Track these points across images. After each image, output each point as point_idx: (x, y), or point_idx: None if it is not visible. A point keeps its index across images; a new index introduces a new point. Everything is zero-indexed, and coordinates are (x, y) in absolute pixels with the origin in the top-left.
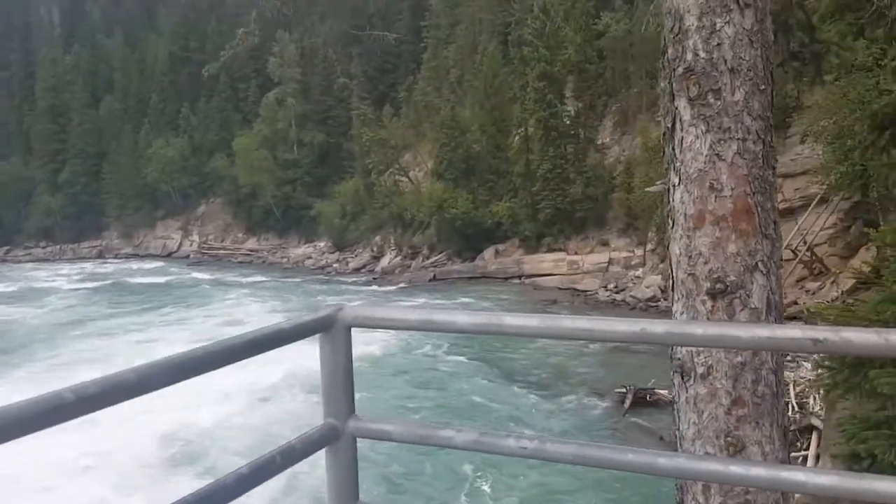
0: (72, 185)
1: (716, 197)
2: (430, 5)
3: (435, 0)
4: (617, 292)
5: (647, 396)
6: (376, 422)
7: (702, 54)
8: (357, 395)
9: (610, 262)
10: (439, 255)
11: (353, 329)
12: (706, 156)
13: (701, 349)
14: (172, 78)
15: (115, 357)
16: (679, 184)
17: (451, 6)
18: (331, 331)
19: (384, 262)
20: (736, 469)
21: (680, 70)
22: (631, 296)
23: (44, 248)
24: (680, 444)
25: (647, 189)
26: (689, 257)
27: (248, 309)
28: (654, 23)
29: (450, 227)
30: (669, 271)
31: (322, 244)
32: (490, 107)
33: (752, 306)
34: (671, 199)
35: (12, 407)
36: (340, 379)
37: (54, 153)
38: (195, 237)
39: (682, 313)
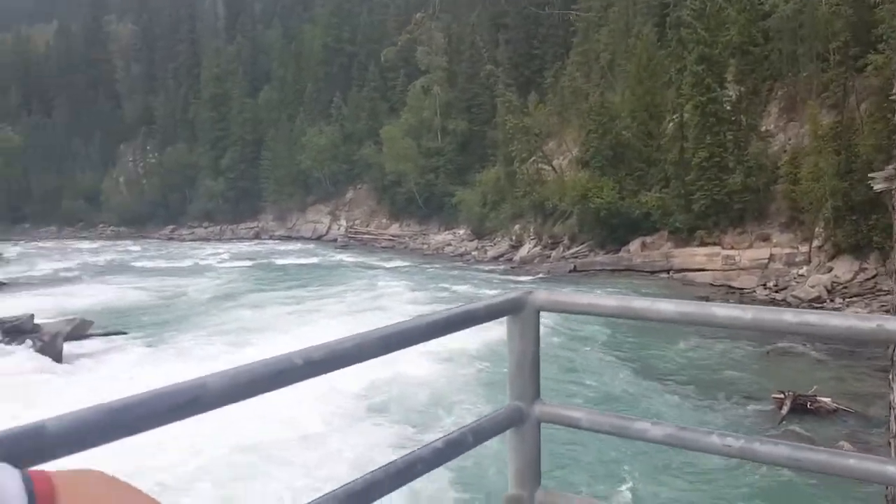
0: (232, 171)
1: None
2: None
3: None
4: (777, 291)
5: (808, 404)
6: (563, 408)
7: None
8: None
9: (770, 258)
10: (581, 246)
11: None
12: None
13: None
14: (326, 69)
15: (269, 328)
16: None
17: None
18: (520, 314)
19: (523, 251)
20: None
21: None
22: (793, 296)
23: (206, 228)
24: (894, 452)
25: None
26: None
27: (389, 291)
28: (827, 2)
29: (593, 217)
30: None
31: (462, 232)
32: (642, 92)
33: None
34: None
35: (248, 367)
36: (528, 362)
37: (216, 140)
38: (343, 222)
39: None
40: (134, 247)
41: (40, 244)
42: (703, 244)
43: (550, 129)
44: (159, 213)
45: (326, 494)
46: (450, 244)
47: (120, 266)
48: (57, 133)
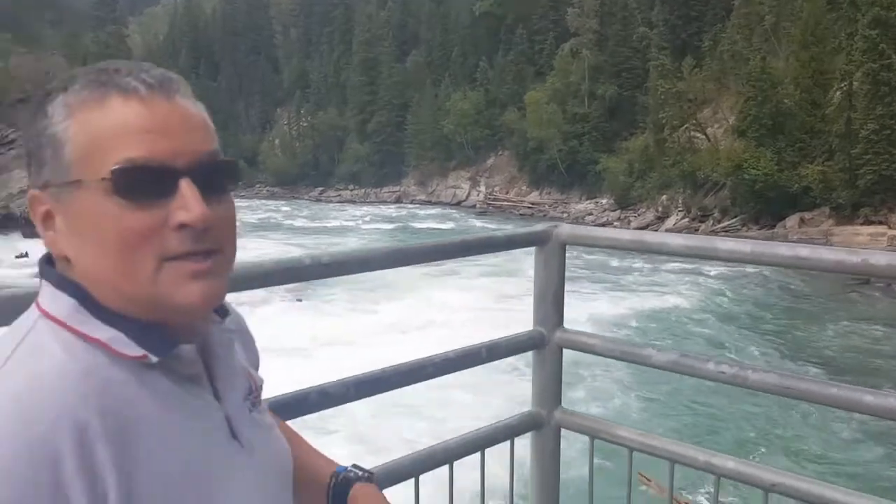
0: (378, 135)
1: None
2: None
3: None
4: None
5: None
6: (582, 335)
7: None
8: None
9: None
10: (732, 220)
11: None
12: None
13: None
14: (473, 32)
15: (401, 287)
16: None
17: None
18: (546, 245)
19: (669, 223)
20: None
21: None
22: None
23: (351, 190)
24: None
25: None
26: None
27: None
28: None
29: (748, 189)
30: None
31: (604, 201)
32: (808, 57)
33: None
34: None
35: (264, 262)
36: (552, 291)
37: (365, 104)
38: (482, 188)
39: None
40: (285, 207)
41: None
42: (867, 223)
43: (706, 96)
44: (310, 174)
45: (339, 380)
46: (591, 213)
47: (274, 224)
48: (221, 96)
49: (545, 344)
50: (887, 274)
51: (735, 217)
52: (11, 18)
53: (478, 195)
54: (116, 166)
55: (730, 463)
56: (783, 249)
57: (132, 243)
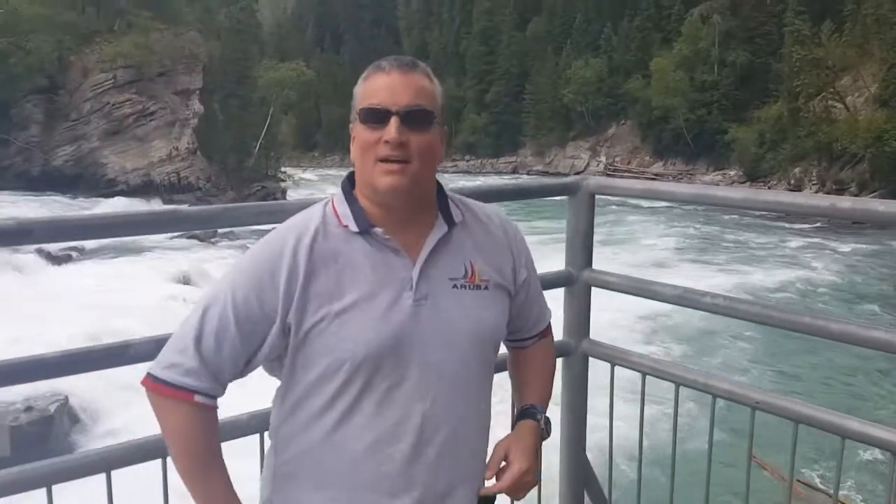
0: (496, 105)
1: None
2: None
3: None
4: None
5: None
6: (606, 274)
7: None
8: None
9: None
10: (872, 195)
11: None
12: None
13: None
14: None
15: None
16: None
17: None
18: (577, 195)
19: None
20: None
21: None
22: None
23: (467, 161)
24: None
25: None
26: None
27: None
28: None
29: (889, 162)
30: None
31: (732, 173)
32: None
33: None
34: None
35: (131, 213)
36: (581, 236)
37: (483, 74)
38: (602, 158)
39: None
40: None
41: (326, 171)
42: None
43: (846, 63)
44: None
45: None
46: (718, 185)
47: None
48: (344, 68)
49: (574, 282)
50: (850, 216)
51: (874, 191)
52: None
53: (597, 166)
54: (362, 107)
55: (723, 384)
56: (768, 196)
57: (365, 149)
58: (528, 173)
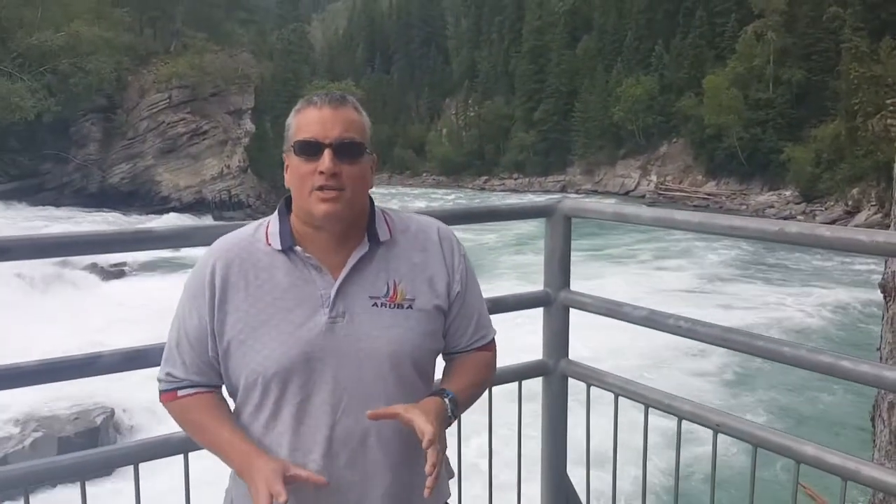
0: (544, 123)
1: None
2: None
3: None
4: None
5: None
6: (582, 296)
7: None
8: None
9: None
10: None
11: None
12: None
13: None
14: (650, 15)
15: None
16: None
17: None
18: (552, 217)
19: (859, 218)
20: (887, 374)
21: None
22: None
23: (515, 179)
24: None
25: None
26: None
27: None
28: None
29: None
30: None
31: (788, 193)
32: None
33: None
34: None
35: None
36: (557, 257)
37: (532, 92)
38: (653, 177)
39: None
40: (449, 195)
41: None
42: None
43: None
44: (474, 163)
45: None
46: (772, 206)
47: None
48: (393, 88)
49: (551, 302)
50: (798, 241)
51: None
52: (206, 19)
53: (648, 185)
54: (297, 139)
55: (686, 406)
56: (721, 220)
57: (302, 179)
58: (576, 192)
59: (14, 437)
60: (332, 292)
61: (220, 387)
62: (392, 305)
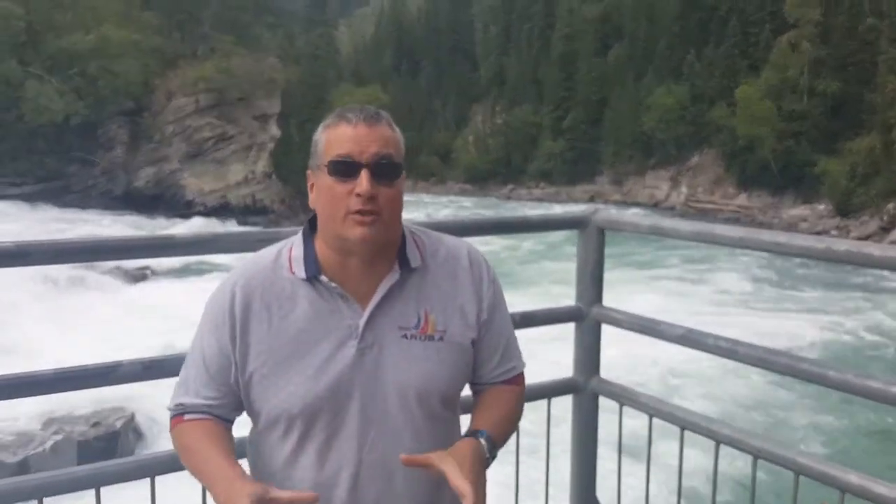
0: (573, 132)
1: None
2: None
3: None
4: None
5: None
6: (615, 311)
7: None
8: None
9: None
10: None
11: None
12: None
13: None
14: (682, 24)
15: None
16: None
17: None
18: (586, 229)
19: (895, 234)
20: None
21: None
22: None
23: (542, 188)
24: None
25: None
26: None
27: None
28: None
29: None
30: None
31: (821, 207)
32: None
33: None
34: None
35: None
36: (589, 271)
37: (561, 100)
38: (683, 189)
39: None
40: (473, 203)
41: None
42: None
43: None
44: (501, 171)
45: None
46: (805, 220)
47: None
48: (420, 94)
49: (583, 318)
50: (845, 259)
51: None
52: (234, 23)
53: (678, 196)
54: (331, 159)
55: (725, 430)
56: (765, 236)
57: (335, 201)
58: (604, 202)
59: (35, 440)
60: (361, 323)
61: (230, 422)
62: (422, 337)
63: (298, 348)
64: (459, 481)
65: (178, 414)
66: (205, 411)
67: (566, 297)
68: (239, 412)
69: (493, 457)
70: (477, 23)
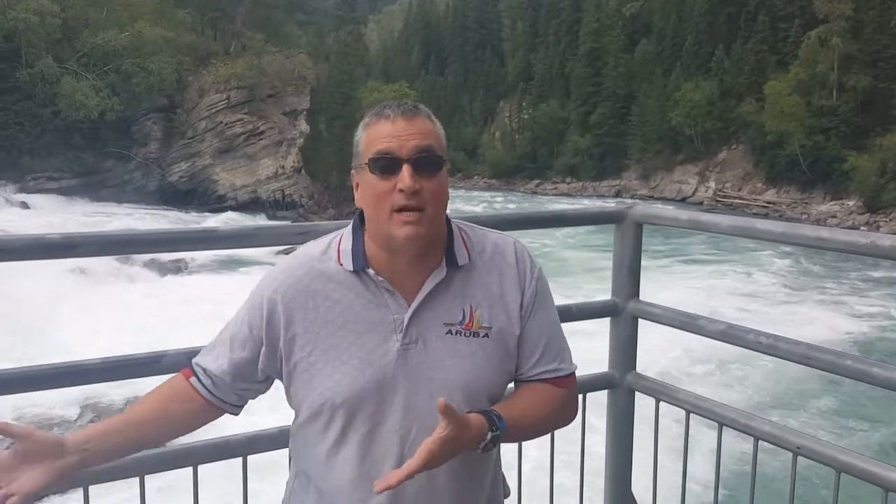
0: (600, 127)
1: None
2: None
3: None
4: None
5: None
6: (652, 306)
7: None
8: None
9: None
10: None
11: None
12: None
13: None
14: (710, 19)
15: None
16: None
17: None
18: (622, 224)
19: None
20: None
21: None
22: None
23: (568, 183)
24: None
25: None
26: None
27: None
28: None
29: None
30: None
31: (851, 203)
32: None
33: None
34: None
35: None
36: (626, 265)
37: (588, 96)
38: (711, 184)
39: None
40: (500, 198)
41: None
42: None
43: None
44: (527, 167)
45: None
46: (834, 216)
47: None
48: (447, 90)
49: (619, 312)
50: (891, 255)
51: None
52: (266, 20)
53: (706, 191)
54: (371, 156)
55: (764, 426)
56: (808, 231)
57: (380, 198)
58: (631, 197)
59: (73, 427)
60: (406, 318)
61: (221, 404)
62: (468, 333)
63: (344, 338)
64: (434, 437)
65: (190, 370)
66: (205, 385)
67: (574, 288)
68: (235, 408)
69: (494, 442)
70: (504, 19)
